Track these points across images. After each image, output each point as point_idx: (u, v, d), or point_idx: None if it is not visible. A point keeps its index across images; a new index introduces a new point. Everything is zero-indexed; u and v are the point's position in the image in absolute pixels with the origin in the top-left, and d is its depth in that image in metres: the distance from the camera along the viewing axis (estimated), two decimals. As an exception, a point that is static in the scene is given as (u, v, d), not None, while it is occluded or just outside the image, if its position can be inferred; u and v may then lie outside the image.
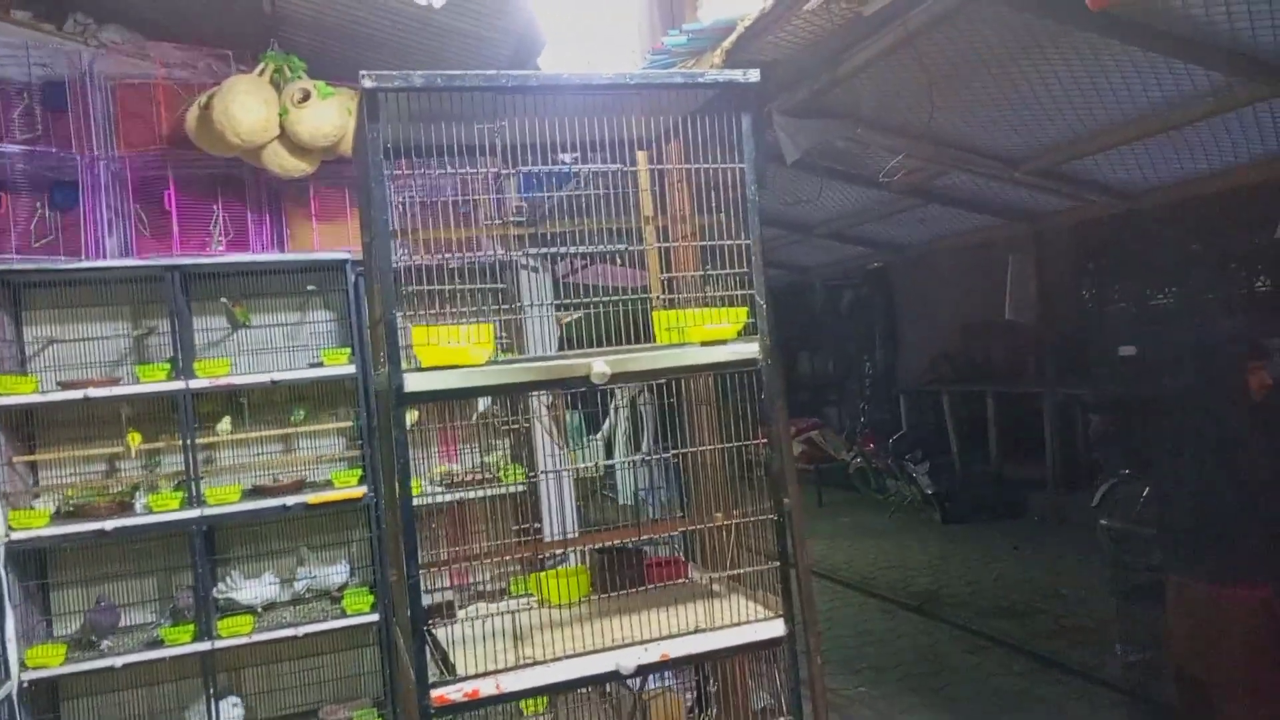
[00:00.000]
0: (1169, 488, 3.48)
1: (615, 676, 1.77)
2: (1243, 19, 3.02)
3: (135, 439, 4.05)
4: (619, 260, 1.97)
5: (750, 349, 1.86)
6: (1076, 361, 8.05)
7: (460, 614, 2.10)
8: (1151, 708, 4.33)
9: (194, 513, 3.94)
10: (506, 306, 2.19)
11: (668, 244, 2.00)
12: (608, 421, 7.61)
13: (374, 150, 1.66)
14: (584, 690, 5.25)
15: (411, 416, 4.69)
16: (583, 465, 4.63)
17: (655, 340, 1.94)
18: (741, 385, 1.99)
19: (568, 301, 2.00)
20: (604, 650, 1.79)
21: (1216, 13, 2.99)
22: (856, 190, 6.46)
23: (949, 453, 9.01)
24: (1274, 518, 3.10)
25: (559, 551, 3.39)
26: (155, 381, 3.94)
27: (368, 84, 1.65)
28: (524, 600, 2.18)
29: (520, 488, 4.35)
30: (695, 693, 4.28)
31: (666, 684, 4.75)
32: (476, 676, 1.71)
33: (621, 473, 5.90)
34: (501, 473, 4.35)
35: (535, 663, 1.76)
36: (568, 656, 1.77)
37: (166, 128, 4.25)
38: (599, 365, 1.75)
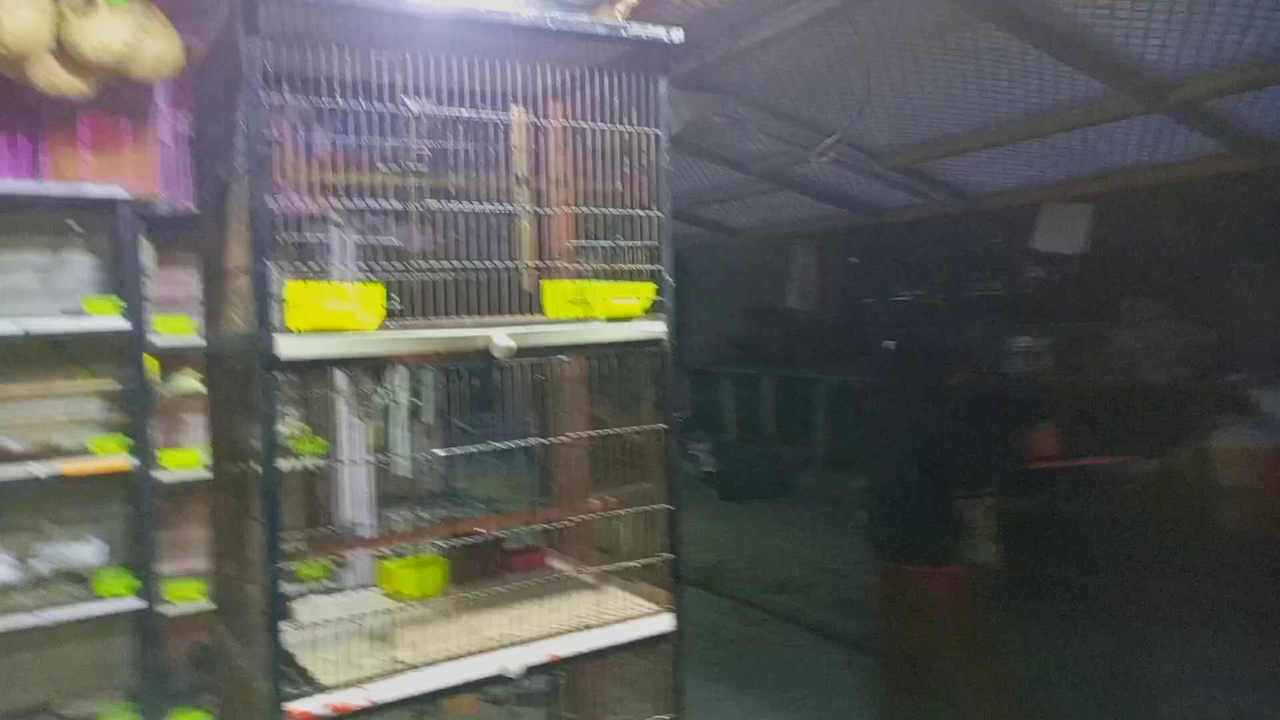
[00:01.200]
0: (874, 476, 3.74)
1: (501, 680, 1.60)
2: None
3: None
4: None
5: (657, 328, 1.74)
6: (848, 350, 8.59)
7: (298, 609, 1.84)
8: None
9: (-92, 482, 3.27)
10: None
11: (572, 208, 1.83)
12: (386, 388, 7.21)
13: (252, 67, 1.37)
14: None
15: (190, 383, 4.19)
16: (411, 455, 4.32)
17: (545, 313, 1.77)
18: (621, 366, 1.87)
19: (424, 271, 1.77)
20: (486, 651, 1.62)
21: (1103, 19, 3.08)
22: (713, 169, 6.39)
23: (728, 432, 9.35)
24: (959, 503, 3.52)
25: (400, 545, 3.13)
26: None
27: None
28: (366, 594, 1.95)
29: (308, 464, 3.99)
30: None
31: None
32: (342, 687, 1.49)
33: (403, 446, 5.60)
34: (294, 444, 3.97)
35: (410, 667, 1.55)
36: (447, 660, 1.58)
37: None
38: (501, 338, 1.56)
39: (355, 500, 4.22)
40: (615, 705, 2.18)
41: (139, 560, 3.77)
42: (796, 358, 9.14)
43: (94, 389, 3.90)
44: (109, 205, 3.65)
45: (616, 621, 1.75)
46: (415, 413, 6.10)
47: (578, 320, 1.68)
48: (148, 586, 3.73)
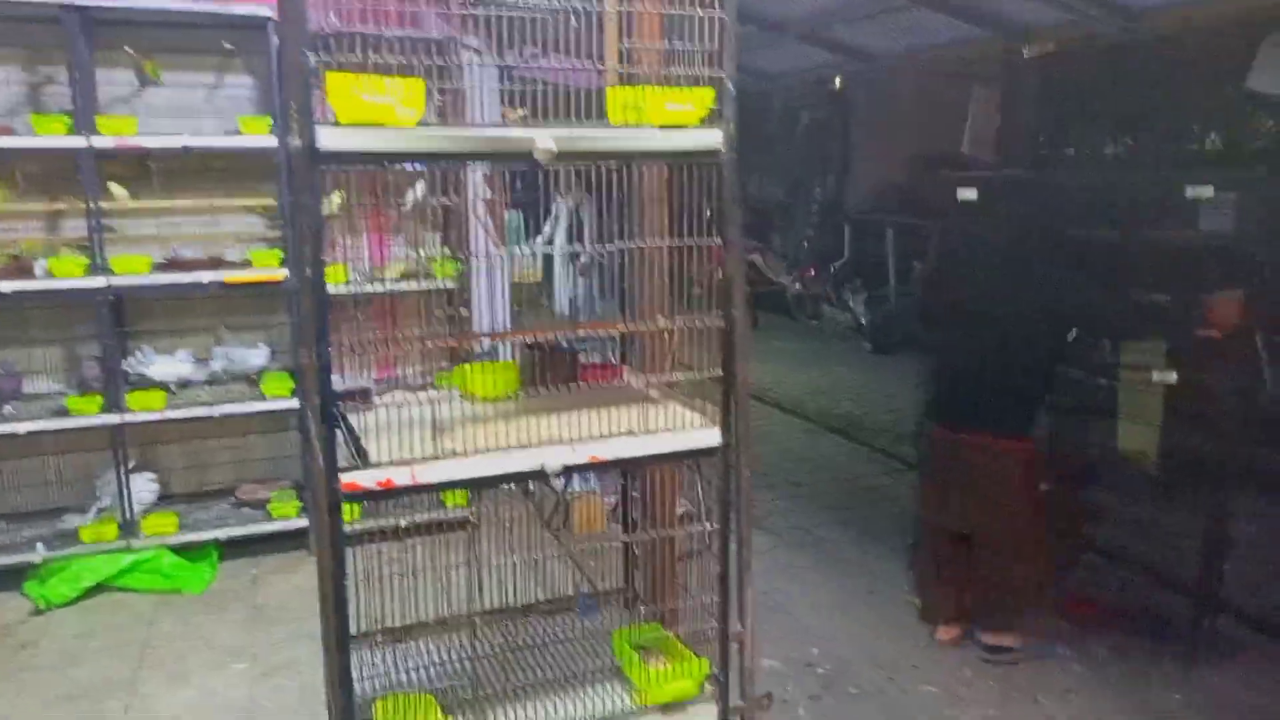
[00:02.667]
0: (950, 341, 3.53)
1: (539, 475, 1.68)
2: None
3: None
4: (573, 52, 1.73)
5: (713, 138, 1.68)
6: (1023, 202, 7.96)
7: (377, 401, 1.98)
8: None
9: (100, 282, 3.69)
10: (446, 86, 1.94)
11: (629, 7, 1.76)
12: (548, 225, 7.37)
13: None
14: (507, 487, 5.31)
15: (337, 199, 4.43)
16: (519, 253, 4.44)
17: (609, 120, 1.73)
18: (698, 185, 1.82)
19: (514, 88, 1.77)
20: (529, 447, 1.70)
21: None
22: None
23: (886, 284, 9.02)
24: (1041, 378, 3.40)
25: (487, 345, 3.29)
26: (53, 135, 3.58)
27: None
28: (446, 392, 2.07)
29: (451, 284, 4.19)
30: (618, 497, 4.34)
31: (590, 487, 4.82)
32: (390, 465, 1.61)
33: (559, 281, 5.75)
34: (434, 266, 4.16)
35: (454, 455, 1.66)
36: (490, 451, 1.68)
37: None
38: (543, 140, 1.55)
39: (490, 317, 4.43)
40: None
41: (298, 365, 4.15)
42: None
43: (255, 204, 4.21)
44: (259, 25, 3.82)
45: (661, 431, 1.78)
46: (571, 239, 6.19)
47: (629, 126, 1.64)
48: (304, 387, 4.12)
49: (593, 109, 1.74)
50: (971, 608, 3.51)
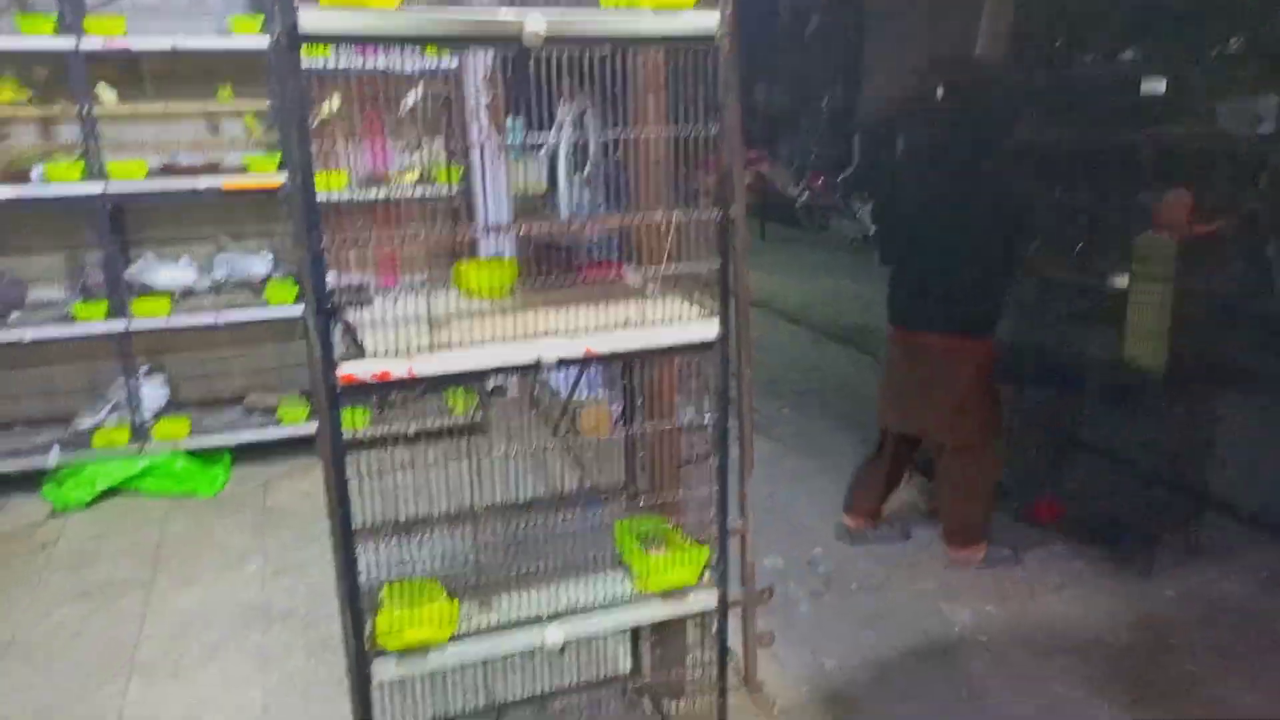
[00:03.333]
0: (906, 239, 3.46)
1: (536, 368, 1.69)
2: None
3: (8, 92, 3.67)
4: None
5: (709, 21, 1.63)
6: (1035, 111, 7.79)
7: (375, 297, 1.98)
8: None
9: (97, 188, 3.66)
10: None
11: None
12: (551, 133, 7.25)
13: None
14: (514, 396, 5.34)
15: (336, 101, 4.35)
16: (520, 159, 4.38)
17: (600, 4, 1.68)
18: (696, 74, 1.77)
19: None
20: (526, 340, 1.70)
21: None
22: None
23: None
24: (1001, 279, 3.35)
25: (490, 245, 3.26)
26: (40, 35, 3.50)
27: None
28: (443, 288, 2.06)
29: (453, 190, 4.14)
30: (623, 403, 4.38)
31: (597, 395, 4.85)
32: (387, 356, 1.61)
33: (563, 193, 5.67)
34: (435, 172, 4.11)
35: (451, 347, 1.66)
36: (486, 343, 1.68)
37: None
38: (533, 23, 1.51)
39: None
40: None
41: (301, 275, 4.14)
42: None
43: (251, 108, 4.14)
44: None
45: (658, 324, 1.78)
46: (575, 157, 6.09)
47: (621, 9, 1.59)
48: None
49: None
50: (943, 525, 3.55)
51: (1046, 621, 3.11)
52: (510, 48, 1.50)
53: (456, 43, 1.61)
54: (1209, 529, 3.63)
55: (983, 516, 3.43)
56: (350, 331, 1.77)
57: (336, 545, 1.76)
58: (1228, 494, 3.85)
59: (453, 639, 1.78)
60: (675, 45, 1.67)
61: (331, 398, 1.56)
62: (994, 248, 3.25)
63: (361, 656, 1.71)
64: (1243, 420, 4.51)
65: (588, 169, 5.93)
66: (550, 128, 5.72)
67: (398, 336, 1.66)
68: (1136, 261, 3.41)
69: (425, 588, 1.84)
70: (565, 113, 6.04)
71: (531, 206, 5.44)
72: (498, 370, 1.69)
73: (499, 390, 5.24)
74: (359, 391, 1.60)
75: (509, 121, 4.75)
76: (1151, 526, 3.49)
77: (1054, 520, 3.69)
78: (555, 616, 1.88)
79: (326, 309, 1.54)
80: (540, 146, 6.02)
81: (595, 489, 2.39)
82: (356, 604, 1.68)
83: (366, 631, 1.73)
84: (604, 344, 1.74)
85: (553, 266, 2.07)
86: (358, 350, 1.67)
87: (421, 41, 1.47)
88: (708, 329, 1.81)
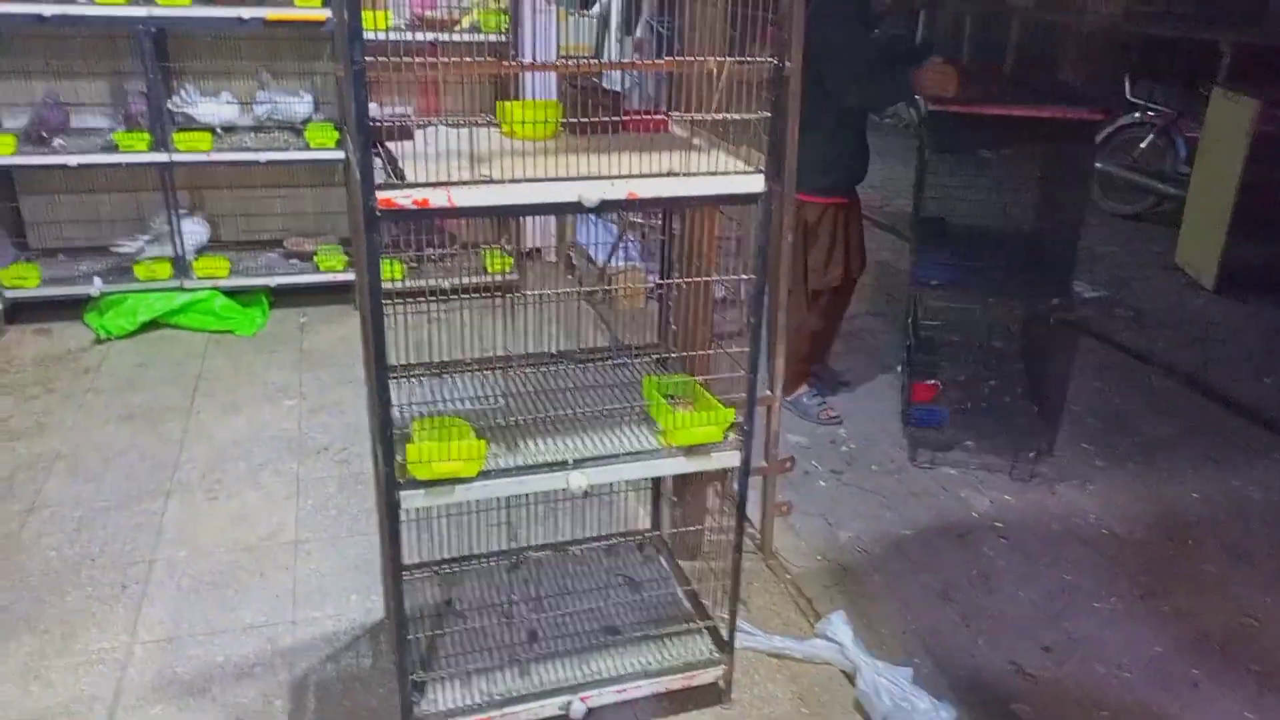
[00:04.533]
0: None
1: (577, 208, 1.66)
2: None
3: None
4: None
5: None
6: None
7: (416, 130, 1.94)
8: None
9: (141, 10, 3.59)
10: None
11: None
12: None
13: None
14: (552, 259, 5.32)
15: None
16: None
17: None
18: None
19: None
20: (568, 180, 1.67)
21: None
22: None
23: (957, 78, 8.52)
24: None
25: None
26: None
27: None
28: (486, 124, 2.01)
29: (497, 37, 4.03)
30: (660, 267, 4.35)
31: (633, 263, 4.81)
32: (427, 185, 1.59)
33: (612, 55, 5.48)
34: (480, 17, 3.98)
35: (491, 181, 1.63)
36: (527, 181, 1.65)
37: None
38: None
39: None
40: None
41: (341, 117, 4.08)
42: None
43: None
44: None
45: (702, 174, 1.73)
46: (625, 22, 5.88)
47: None
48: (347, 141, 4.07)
49: None
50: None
51: (1065, 514, 3.12)
52: None
53: None
54: (1235, 434, 3.61)
55: (794, 360, 3.42)
56: (391, 161, 1.75)
57: (371, 374, 1.78)
58: (1253, 400, 3.81)
59: (480, 475, 1.81)
60: None
61: (370, 220, 1.55)
62: (812, 101, 2.89)
63: (392, 484, 1.75)
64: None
65: (639, 30, 5.72)
66: None
67: (439, 169, 1.63)
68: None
69: (456, 426, 1.87)
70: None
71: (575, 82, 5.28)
72: (538, 208, 1.66)
73: (535, 252, 5.22)
74: (397, 216, 1.58)
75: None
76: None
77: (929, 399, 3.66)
78: (580, 462, 1.90)
79: (368, 126, 1.51)
80: (593, 3, 5.80)
81: (626, 345, 2.39)
82: (388, 432, 1.71)
83: (398, 461, 1.76)
84: (648, 189, 1.70)
85: (598, 108, 2.01)
86: (399, 178, 1.65)
87: None
88: (753, 182, 1.76)
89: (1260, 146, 4.91)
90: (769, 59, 1.71)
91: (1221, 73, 6.29)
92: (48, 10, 3.47)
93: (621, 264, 4.72)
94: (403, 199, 1.57)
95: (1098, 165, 6.57)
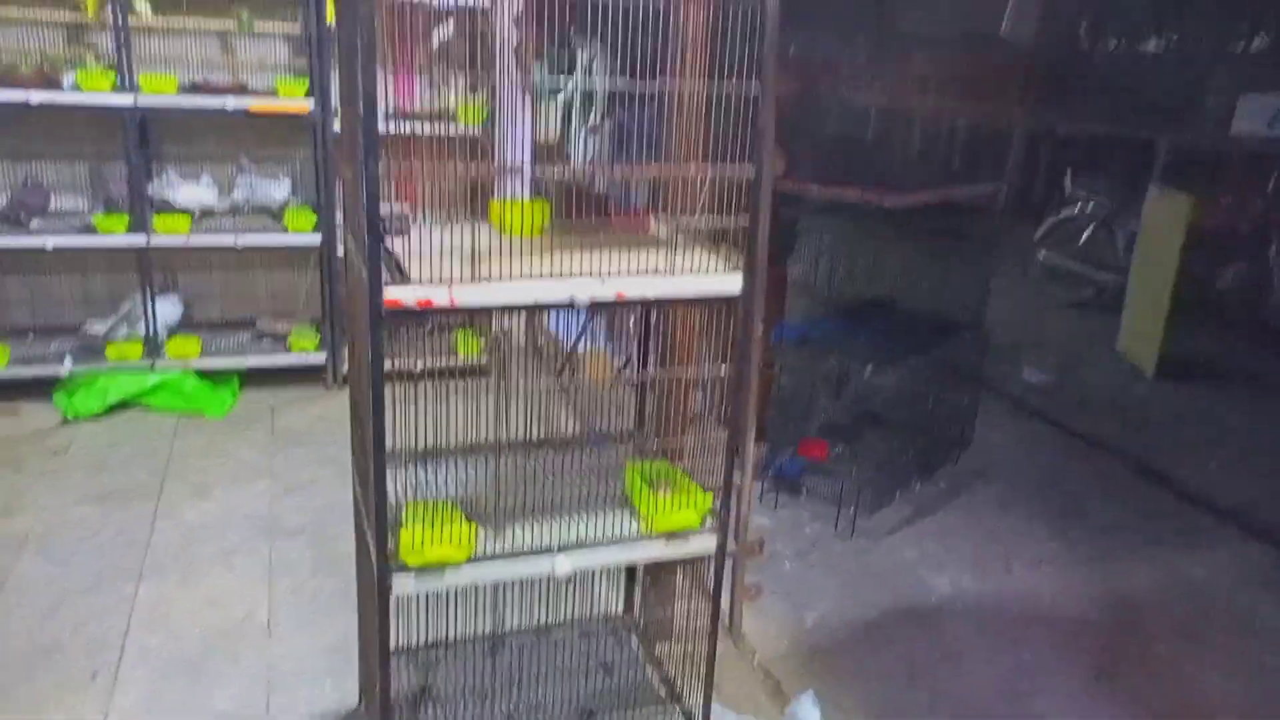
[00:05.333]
0: None
1: (570, 305, 1.76)
2: None
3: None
4: None
5: (762, -18, 1.68)
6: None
7: (413, 227, 2.04)
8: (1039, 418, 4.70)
9: (127, 99, 3.69)
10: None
11: None
12: (571, 80, 7.22)
13: None
14: (519, 342, 5.41)
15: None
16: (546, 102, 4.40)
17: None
18: (739, 29, 1.83)
19: None
20: (561, 278, 1.77)
21: None
22: None
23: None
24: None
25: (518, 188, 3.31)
26: (82, -57, 3.51)
27: None
28: (480, 223, 2.12)
29: (476, 130, 4.17)
30: (626, 353, 4.45)
31: (598, 345, 4.93)
32: (432, 283, 1.68)
33: (574, 140, 5.68)
34: (460, 112, 4.13)
35: (491, 280, 1.73)
36: (523, 279, 1.75)
37: None
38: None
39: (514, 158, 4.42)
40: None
41: (320, 201, 4.18)
42: (999, 93, 8.41)
43: (281, 31, 4.15)
44: None
45: (686, 274, 1.85)
46: (586, 103, 6.10)
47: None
48: (328, 225, 4.16)
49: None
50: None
51: (1022, 594, 3.23)
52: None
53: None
54: (1181, 517, 3.77)
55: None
56: (390, 256, 1.84)
57: (366, 462, 1.85)
58: (1207, 487, 3.99)
59: (469, 560, 1.87)
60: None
61: (376, 320, 1.63)
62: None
63: (385, 570, 1.79)
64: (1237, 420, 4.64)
65: (592, 119, 5.94)
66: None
67: (440, 265, 1.72)
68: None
69: (444, 510, 1.93)
70: (580, 56, 6.03)
71: (546, 153, 5.46)
72: (533, 306, 1.76)
73: (503, 334, 5.31)
74: (400, 316, 1.67)
75: (536, 66, 4.76)
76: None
77: (822, 458, 3.86)
78: (565, 548, 1.97)
79: (378, 230, 1.61)
80: (559, 92, 6.02)
81: (606, 432, 2.48)
82: (384, 518, 1.77)
83: (389, 547, 1.81)
84: (634, 289, 1.81)
85: (583, 211, 2.14)
86: (400, 276, 1.74)
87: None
88: (732, 283, 1.88)
89: (1194, 241, 5.22)
90: (749, 168, 1.85)
91: (1157, 170, 6.70)
92: (35, 98, 3.55)
93: (587, 346, 4.83)
94: (408, 298, 1.66)
95: (1042, 254, 6.91)
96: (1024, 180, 8.18)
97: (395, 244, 1.90)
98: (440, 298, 1.68)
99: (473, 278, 1.72)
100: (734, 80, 1.82)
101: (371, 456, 1.75)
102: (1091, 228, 6.72)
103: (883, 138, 7.90)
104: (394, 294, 1.66)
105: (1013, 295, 6.67)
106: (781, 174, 3.40)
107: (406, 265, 1.76)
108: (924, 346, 3.73)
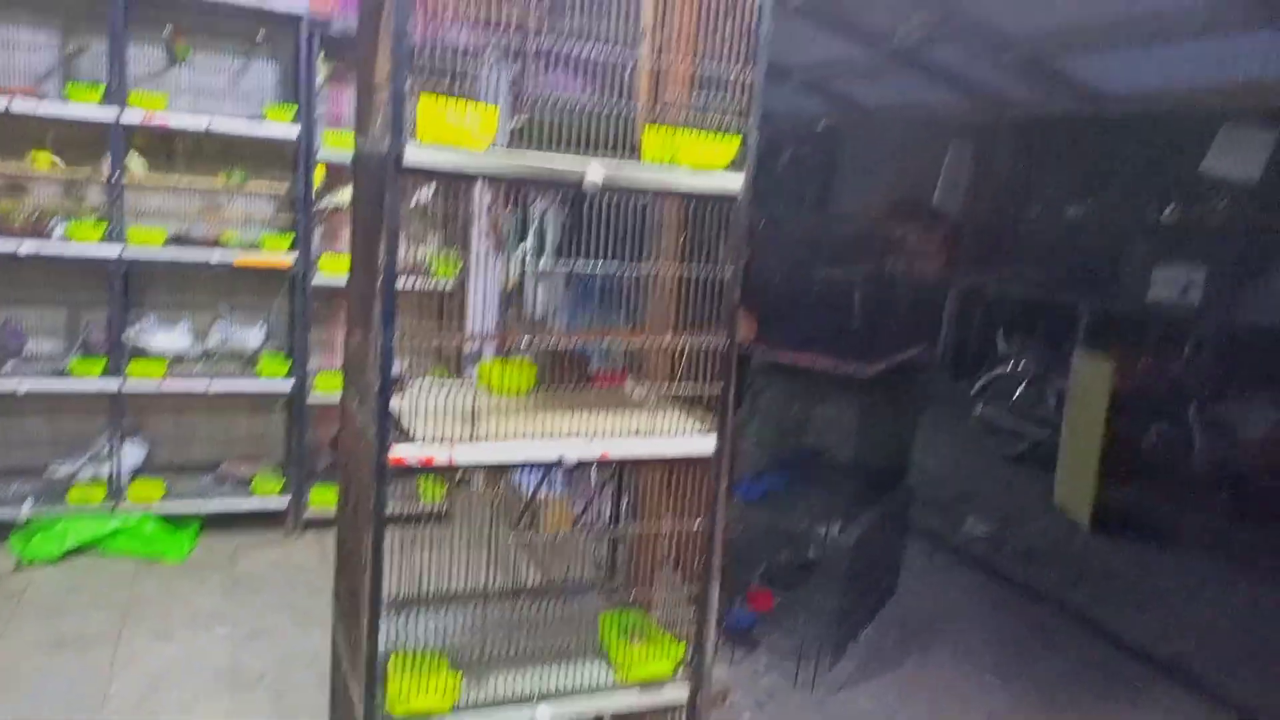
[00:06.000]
0: None
1: (558, 464, 1.90)
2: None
3: (44, 160, 3.88)
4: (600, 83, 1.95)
5: (735, 182, 1.93)
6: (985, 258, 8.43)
7: (410, 386, 2.19)
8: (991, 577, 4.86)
9: (114, 251, 3.84)
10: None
11: (663, 63, 2.00)
12: (531, 235, 7.55)
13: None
14: (479, 489, 5.49)
15: (347, 195, 4.61)
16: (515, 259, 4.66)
17: (640, 156, 1.97)
18: (711, 219, 2.06)
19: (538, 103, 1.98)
20: (550, 438, 1.92)
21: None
22: (840, 44, 6.42)
23: (852, 325, 9.36)
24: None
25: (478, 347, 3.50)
26: (86, 103, 3.73)
27: None
28: (472, 384, 2.28)
29: (449, 286, 4.39)
30: (586, 503, 4.55)
31: (556, 492, 5.02)
32: (434, 442, 1.82)
33: (529, 288, 5.95)
34: (434, 266, 4.36)
35: (488, 439, 1.87)
36: (516, 439, 1.89)
37: None
38: (594, 172, 1.79)
39: (484, 315, 4.65)
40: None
41: (294, 349, 4.31)
42: (934, 257, 9.00)
43: (268, 190, 4.38)
44: (292, 21, 4.02)
45: (665, 435, 2.02)
46: (539, 248, 6.37)
47: (664, 166, 1.88)
48: (300, 372, 4.28)
49: (604, 133, 1.95)
50: None
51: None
52: (572, 189, 1.78)
53: (531, 183, 1.87)
54: (1122, 669, 3.90)
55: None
56: (390, 416, 1.97)
57: (346, 615, 1.92)
58: (1146, 640, 4.14)
59: (453, 710, 1.93)
60: (702, 198, 1.96)
61: (381, 476, 1.76)
62: None
63: None
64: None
65: (541, 264, 6.24)
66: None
67: (440, 424, 1.87)
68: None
69: (429, 659, 2.00)
70: (538, 213, 6.38)
71: (507, 301, 5.70)
72: (524, 464, 1.90)
73: (464, 482, 5.38)
74: (402, 473, 1.79)
75: (506, 228, 5.05)
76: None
77: (768, 609, 3.92)
78: (544, 697, 2.04)
79: (389, 391, 1.75)
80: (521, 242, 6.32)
81: (580, 582, 2.57)
82: (374, 668, 1.83)
83: (376, 698, 1.87)
84: (618, 449, 1.96)
85: (565, 371, 2.31)
86: (402, 434, 1.87)
87: (501, 179, 1.73)
88: (706, 444, 2.05)
89: (1119, 401, 5.56)
90: (722, 339, 2.06)
91: (1081, 332, 7.16)
92: (24, 249, 3.68)
93: (545, 494, 4.92)
94: (411, 456, 1.79)
95: (979, 409, 7.26)
96: (958, 338, 8.66)
97: (394, 401, 2.05)
98: (441, 456, 1.82)
99: (471, 438, 1.87)
100: (707, 264, 2.05)
101: (368, 609, 1.84)
102: (1024, 385, 7.10)
103: (841, 303, 8.37)
104: (399, 452, 1.79)
105: (954, 448, 6.96)
106: (751, 339, 3.64)
107: (408, 424, 1.90)
108: (866, 499, 3.91)
